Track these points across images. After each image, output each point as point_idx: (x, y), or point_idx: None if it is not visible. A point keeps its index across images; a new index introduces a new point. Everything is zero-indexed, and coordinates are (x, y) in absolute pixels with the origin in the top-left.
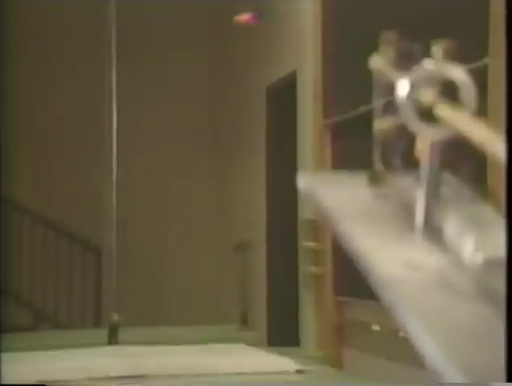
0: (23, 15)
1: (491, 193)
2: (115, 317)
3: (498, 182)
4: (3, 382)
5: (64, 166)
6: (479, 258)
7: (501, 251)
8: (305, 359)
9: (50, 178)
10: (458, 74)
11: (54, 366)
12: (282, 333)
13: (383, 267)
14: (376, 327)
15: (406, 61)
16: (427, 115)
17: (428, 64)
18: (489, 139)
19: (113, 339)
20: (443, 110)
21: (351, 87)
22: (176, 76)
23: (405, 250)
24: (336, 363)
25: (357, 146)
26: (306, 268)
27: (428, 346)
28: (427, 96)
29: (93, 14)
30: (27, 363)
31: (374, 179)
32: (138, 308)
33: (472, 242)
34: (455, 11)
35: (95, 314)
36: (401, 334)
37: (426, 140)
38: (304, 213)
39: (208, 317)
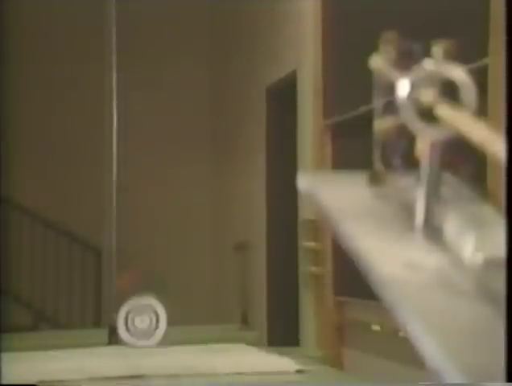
0: (23, 15)
1: (491, 193)
2: (115, 317)
3: (498, 182)
4: (3, 382)
5: (64, 165)
6: (479, 258)
7: (501, 251)
8: (305, 359)
9: (50, 178)
10: (458, 74)
11: (54, 366)
12: (282, 333)
13: (383, 267)
14: (376, 327)
15: (406, 61)
16: (427, 115)
17: (428, 64)
18: (489, 139)
19: (113, 339)
20: (443, 110)
21: (351, 87)
22: (176, 76)
23: (405, 250)
24: (336, 363)
25: (357, 146)
26: (306, 268)
27: (428, 346)
28: (427, 96)
29: (93, 13)
30: (27, 363)
31: (374, 179)
32: None
33: (472, 242)
34: (455, 11)
35: (95, 314)
36: (401, 334)
37: (426, 140)
38: (304, 213)
39: (208, 317)
